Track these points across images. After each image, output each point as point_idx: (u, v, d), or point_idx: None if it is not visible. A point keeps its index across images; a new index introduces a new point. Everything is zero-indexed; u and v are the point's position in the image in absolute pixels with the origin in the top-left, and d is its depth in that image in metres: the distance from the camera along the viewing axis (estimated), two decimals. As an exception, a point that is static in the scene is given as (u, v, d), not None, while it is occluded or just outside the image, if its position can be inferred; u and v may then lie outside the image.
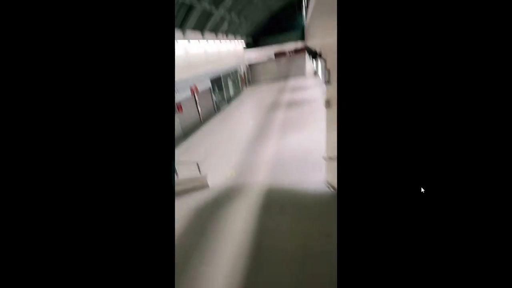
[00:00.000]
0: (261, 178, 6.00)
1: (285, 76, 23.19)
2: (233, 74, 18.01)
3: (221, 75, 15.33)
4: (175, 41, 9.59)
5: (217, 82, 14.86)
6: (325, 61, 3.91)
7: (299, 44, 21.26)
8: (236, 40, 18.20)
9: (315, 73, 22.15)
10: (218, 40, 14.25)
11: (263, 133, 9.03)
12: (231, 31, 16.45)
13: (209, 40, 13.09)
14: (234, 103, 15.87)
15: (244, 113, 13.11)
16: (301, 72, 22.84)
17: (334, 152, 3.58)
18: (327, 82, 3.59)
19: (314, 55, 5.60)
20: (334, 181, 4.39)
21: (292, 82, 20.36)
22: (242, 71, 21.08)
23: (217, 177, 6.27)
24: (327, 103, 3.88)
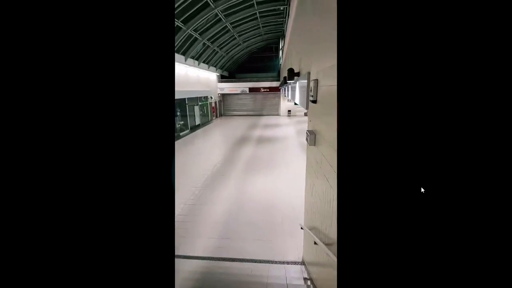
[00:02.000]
0: (201, 248, 3.85)
1: (258, 112, 22.52)
2: (201, 101, 16.50)
3: (185, 99, 13.67)
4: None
5: (180, 106, 13.08)
6: (308, 77, 2.58)
7: (274, 84, 21.21)
8: (209, 70, 17.27)
9: (289, 112, 22.17)
10: (185, 64, 12.99)
11: (223, 173, 7.06)
12: (207, 61, 15.61)
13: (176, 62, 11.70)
14: (199, 133, 13.95)
15: (206, 145, 11.15)
16: (276, 111, 22.46)
17: (313, 219, 2.44)
18: (312, 101, 2.25)
19: (292, 74, 4.51)
20: (313, 266, 2.54)
21: (265, 120, 19.54)
22: (214, 100, 19.84)
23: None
24: (310, 136, 2.29)
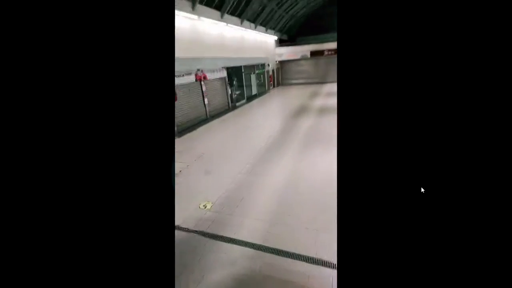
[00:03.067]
0: (249, 226, 3.30)
1: (321, 79, 20.12)
2: (258, 69, 15.57)
3: (242, 67, 13.00)
4: (175, 13, 7.39)
5: (236, 74, 12.54)
6: None
7: (341, 43, 18.16)
8: (266, 33, 15.83)
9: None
10: (243, 28, 12.00)
11: (278, 148, 6.28)
12: (265, 22, 14.22)
13: (230, 25, 10.87)
14: (255, 103, 13.37)
15: (263, 116, 10.46)
16: (340, 77, 19.62)
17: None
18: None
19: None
20: None
21: (329, 88, 17.29)
22: (271, 68, 18.57)
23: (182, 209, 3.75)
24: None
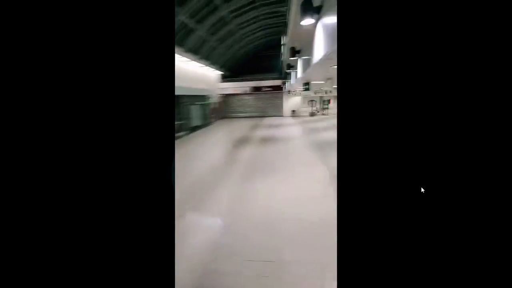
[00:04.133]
0: None
1: (261, 113, 21.42)
2: (201, 100, 15.45)
3: (184, 97, 12.60)
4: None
5: (177, 104, 11.99)
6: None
7: (277, 82, 20.17)
8: (209, 67, 16.29)
9: (293, 112, 21.07)
10: (185, 59, 11.98)
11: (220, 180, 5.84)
12: (207, 57, 14.66)
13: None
14: (196, 135, 12.83)
15: (203, 147, 10.01)
16: (279, 111, 21.36)
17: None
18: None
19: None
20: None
21: (269, 121, 18.47)
22: (214, 101, 18.79)
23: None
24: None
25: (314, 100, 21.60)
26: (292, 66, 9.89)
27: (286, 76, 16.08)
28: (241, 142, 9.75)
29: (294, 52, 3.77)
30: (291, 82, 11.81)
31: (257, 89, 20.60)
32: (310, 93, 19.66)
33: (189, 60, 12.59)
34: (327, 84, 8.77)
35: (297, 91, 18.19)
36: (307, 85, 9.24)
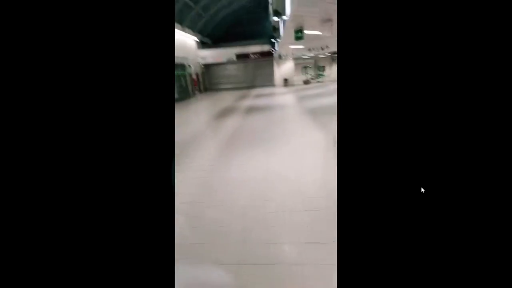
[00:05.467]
0: None
1: (250, 83, 19.20)
2: (176, 70, 13.17)
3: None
4: None
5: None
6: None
7: (265, 47, 17.72)
8: (183, 32, 13.74)
9: (285, 81, 18.94)
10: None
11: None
12: (182, 21, 12.11)
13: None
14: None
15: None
16: (270, 81, 19.14)
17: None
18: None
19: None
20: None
21: (259, 92, 16.40)
22: (194, 71, 16.41)
23: None
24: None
25: (308, 66, 19.38)
26: (279, 13, 7.74)
27: (275, 41, 13.75)
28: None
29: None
30: (280, 34, 9.61)
31: (243, 56, 18.12)
32: (304, 51, 17.20)
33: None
34: (325, 28, 6.66)
35: (290, 53, 15.87)
36: (299, 33, 7.17)
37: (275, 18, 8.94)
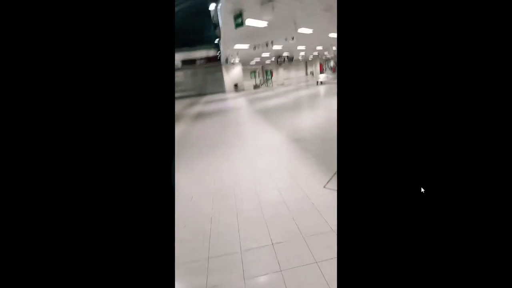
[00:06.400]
0: None
1: (199, 90, 18.62)
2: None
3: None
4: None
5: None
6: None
7: (211, 52, 17.63)
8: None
9: (235, 87, 18.96)
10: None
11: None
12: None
13: None
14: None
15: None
16: (220, 87, 18.91)
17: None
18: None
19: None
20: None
21: (209, 99, 15.93)
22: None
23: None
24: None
25: (256, 71, 19.91)
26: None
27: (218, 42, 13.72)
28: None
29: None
30: (220, 28, 9.46)
31: (190, 62, 17.63)
32: (249, 51, 17.57)
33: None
34: (266, 10, 6.62)
35: (235, 53, 15.99)
36: (239, 18, 7.07)
37: (212, 7, 8.77)
